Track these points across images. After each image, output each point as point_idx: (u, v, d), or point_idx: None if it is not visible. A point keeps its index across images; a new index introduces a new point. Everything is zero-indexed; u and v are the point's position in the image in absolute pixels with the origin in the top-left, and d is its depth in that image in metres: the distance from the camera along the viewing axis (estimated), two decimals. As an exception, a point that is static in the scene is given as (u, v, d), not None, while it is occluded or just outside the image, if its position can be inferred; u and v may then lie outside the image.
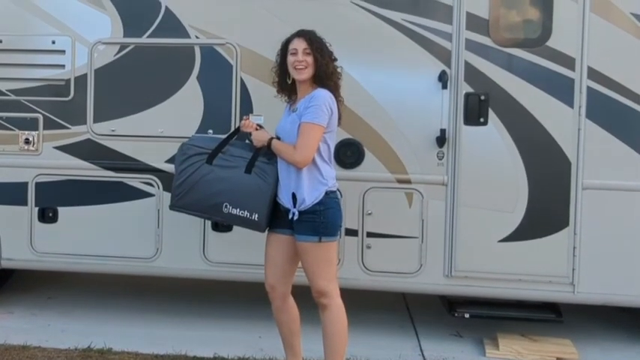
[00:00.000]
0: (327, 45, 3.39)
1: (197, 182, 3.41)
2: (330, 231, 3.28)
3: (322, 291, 3.31)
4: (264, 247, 3.52)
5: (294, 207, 3.28)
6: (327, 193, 3.28)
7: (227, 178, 3.40)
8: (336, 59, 3.40)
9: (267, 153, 3.41)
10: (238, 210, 3.37)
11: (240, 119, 3.73)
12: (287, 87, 3.44)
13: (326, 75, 3.32)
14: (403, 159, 4.10)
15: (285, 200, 3.33)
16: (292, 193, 3.28)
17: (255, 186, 3.37)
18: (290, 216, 3.29)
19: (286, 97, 3.48)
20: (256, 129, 3.44)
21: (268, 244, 3.45)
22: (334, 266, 3.37)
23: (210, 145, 3.49)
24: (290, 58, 3.34)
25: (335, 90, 3.37)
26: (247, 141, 3.54)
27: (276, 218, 3.42)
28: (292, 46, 3.35)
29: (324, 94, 3.28)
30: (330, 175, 3.34)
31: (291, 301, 3.48)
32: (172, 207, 3.53)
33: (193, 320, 4.55)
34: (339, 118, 3.38)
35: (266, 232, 3.46)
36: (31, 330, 4.30)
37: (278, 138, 3.38)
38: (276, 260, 3.42)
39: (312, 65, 3.30)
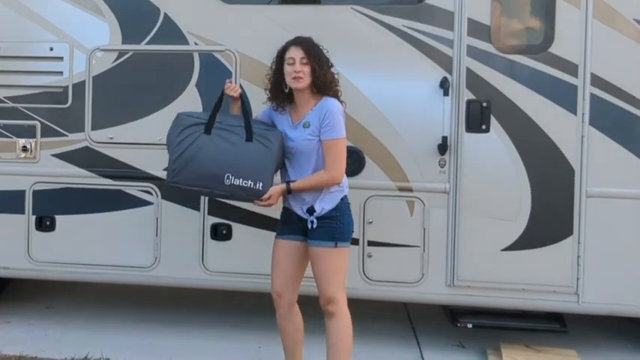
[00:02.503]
0: (325, 52, 3.36)
1: (196, 154, 3.30)
2: (345, 236, 3.29)
3: (331, 298, 3.27)
4: (262, 256, 3.49)
5: (311, 216, 3.26)
6: (341, 199, 3.31)
7: (228, 148, 3.30)
8: (332, 65, 3.38)
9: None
10: (241, 180, 3.26)
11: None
12: (281, 95, 3.40)
13: (324, 84, 3.30)
14: (404, 167, 4.07)
15: (299, 211, 3.31)
16: (311, 206, 3.27)
17: (258, 154, 3.28)
18: (309, 225, 3.26)
19: (275, 105, 3.43)
20: (240, 93, 3.41)
21: (276, 251, 3.41)
22: (345, 274, 3.34)
23: (205, 116, 3.40)
24: (287, 68, 3.31)
25: (338, 97, 3.36)
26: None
27: (285, 224, 3.40)
28: (289, 54, 3.32)
29: (336, 106, 3.29)
30: (346, 182, 3.37)
31: (297, 309, 3.46)
32: (170, 182, 3.37)
33: (192, 330, 4.50)
34: None
35: (271, 241, 3.44)
36: (28, 340, 4.26)
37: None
38: (284, 267, 3.38)
39: (309, 75, 3.28)
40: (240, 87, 4.10)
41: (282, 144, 3.33)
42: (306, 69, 3.28)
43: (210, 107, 4.09)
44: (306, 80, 3.29)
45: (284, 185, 3.31)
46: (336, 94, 3.36)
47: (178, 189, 3.40)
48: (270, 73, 3.43)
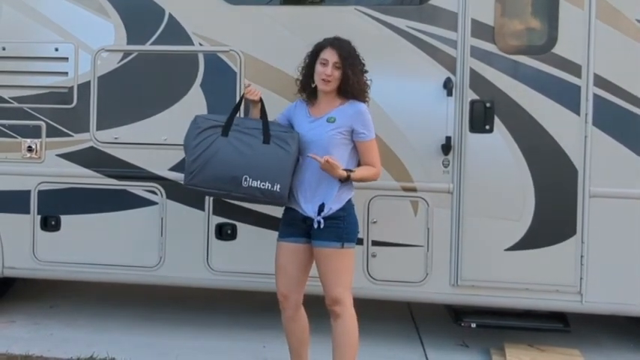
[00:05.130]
0: (360, 58, 3.35)
1: (213, 156, 3.31)
2: (351, 236, 3.30)
3: (337, 299, 3.28)
4: (267, 255, 3.49)
5: (319, 215, 3.25)
6: (347, 200, 3.32)
7: (245, 150, 3.31)
8: (366, 71, 3.39)
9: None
10: (259, 182, 3.27)
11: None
12: (309, 89, 3.40)
13: (356, 91, 3.31)
14: (408, 167, 4.08)
15: (308, 210, 3.30)
16: (322, 203, 3.26)
17: (276, 156, 3.28)
18: (315, 225, 3.26)
19: (305, 97, 3.44)
20: (260, 97, 3.42)
21: (280, 254, 3.40)
22: (351, 274, 3.35)
23: (222, 119, 3.42)
24: (318, 67, 3.31)
25: (365, 102, 3.38)
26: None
27: (288, 226, 3.39)
28: (324, 55, 3.31)
29: (366, 109, 3.35)
30: (352, 183, 3.37)
31: (303, 310, 3.46)
32: (187, 185, 3.38)
33: (197, 329, 4.51)
34: None
35: (275, 241, 3.44)
36: (33, 339, 4.27)
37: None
38: (289, 270, 3.37)
39: (338, 79, 3.29)
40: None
41: (299, 146, 3.33)
42: (337, 73, 3.28)
43: (215, 108, 4.13)
44: (333, 84, 3.30)
45: (344, 172, 3.22)
46: (364, 100, 3.37)
47: (195, 191, 3.42)
48: (303, 66, 3.42)
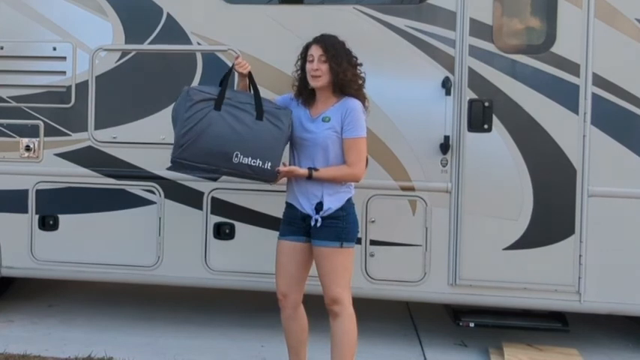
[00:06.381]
0: (348, 51, 3.34)
1: (206, 129, 3.21)
2: (351, 236, 3.29)
3: (336, 298, 3.27)
4: (265, 255, 3.48)
5: (317, 214, 3.25)
6: (347, 199, 3.31)
7: (238, 126, 3.24)
8: (359, 64, 3.36)
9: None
10: (250, 159, 3.21)
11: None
12: (305, 91, 3.39)
13: (344, 83, 3.29)
14: (407, 166, 4.07)
15: (307, 207, 3.30)
16: (320, 202, 3.26)
17: (268, 133, 3.24)
18: (313, 223, 3.26)
19: (302, 101, 3.42)
20: (249, 70, 3.38)
21: (280, 253, 3.40)
22: (350, 274, 3.34)
23: (215, 91, 3.32)
24: (307, 65, 3.32)
25: (359, 97, 3.34)
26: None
27: (288, 225, 3.39)
28: (310, 52, 3.33)
29: (357, 106, 3.29)
30: (352, 183, 3.36)
31: (302, 310, 3.45)
32: (175, 159, 3.24)
33: (195, 329, 4.51)
34: None
35: (273, 240, 3.43)
36: (31, 339, 4.26)
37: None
38: (289, 269, 3.37)
39: (327, 72, 3.28)
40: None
41: (292, 123, 3.31)
42: (324, 67, 3.27)
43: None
44: (324, 78, 3.28)
45: (306, 170, 3.26)
46: (358, 93, 3.34)
47: (182, 166, 3.31)
48: (297, 70, 3.42)
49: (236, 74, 3.48)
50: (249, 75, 3.44)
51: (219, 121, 3.23)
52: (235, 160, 3.21)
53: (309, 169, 3.26)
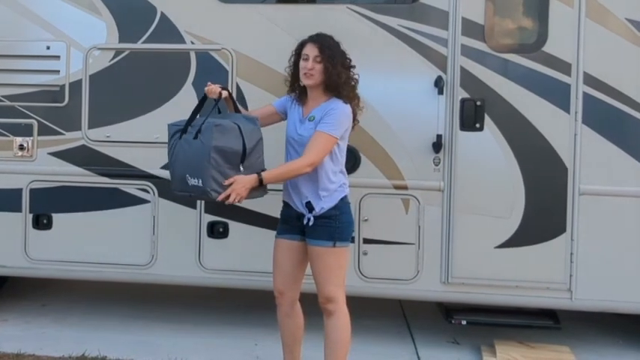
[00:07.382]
0: (343, 52, 3.34)
1: (171, 160, 3.34)
2: (344, 236, 3.29)
3: (330, 297, 3.28)
4: (259, 253, 3.49)
5: (310, 213, 3.26)
6: (341, 198, 3.30)
7: (185, 148, 3.26)
8: (352, 67, 3.36)
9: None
10: (196, 179, 3.19)
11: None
12: (298, 88, 3.41)
13: (337, 84, 3.29)
14: (399, 165, 4.09)
15: (300, 206, 3.31)
16: (309, 200, 3.27)
17: (196, 149, 3.20)
18: (305, 221, 3.27)
19: (295, 96, 3.43)
20: (221, 92, 3.36)
21: (277, 251, 3.42)
22: (344, 272, 3.35)
23: (198, 121, 3.32)
24: (301, 63, 3.33)
25: (350, 99, 3.33)
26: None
27: (284, 224, 3.40)
28: (305, 50, 3.33)
29: (342, 108, 3.26)
30: (345, 181, 3.35)
31: (298, 307, 3.46)
32: (173, 191, 3.43)
33: (189, 327, 4.52)
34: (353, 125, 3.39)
35: (267, 239, 3.45)
36: (25, 337, 4.26)
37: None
38: (285, 267, 3.38)
39: (320, 73, 3.28)
40: (237, 85, 4.16)
41: (219, 136, 3.16)
42: (318, 67, 3.27)
43: (206, 107, 4.10)
44: (316, 78, 3.29)
45: (255, 176, 3.19)
46: (350, 95, 3.32)
47: (184, 197, 3.42)
48: (290, 66, 3.42)
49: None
50: (230, 95, 3.45)
51: (177, 149, 3.31)
52: (190, 182, 3.21)
53: (258, 173, 3.21)
